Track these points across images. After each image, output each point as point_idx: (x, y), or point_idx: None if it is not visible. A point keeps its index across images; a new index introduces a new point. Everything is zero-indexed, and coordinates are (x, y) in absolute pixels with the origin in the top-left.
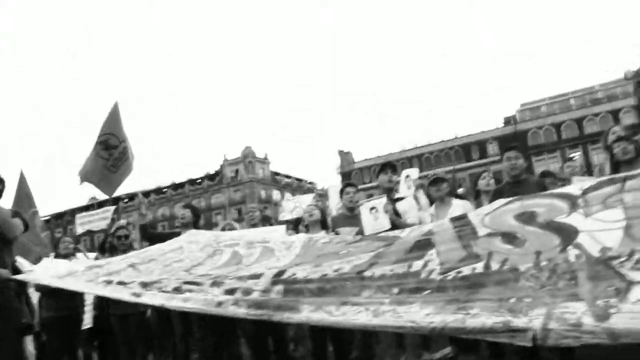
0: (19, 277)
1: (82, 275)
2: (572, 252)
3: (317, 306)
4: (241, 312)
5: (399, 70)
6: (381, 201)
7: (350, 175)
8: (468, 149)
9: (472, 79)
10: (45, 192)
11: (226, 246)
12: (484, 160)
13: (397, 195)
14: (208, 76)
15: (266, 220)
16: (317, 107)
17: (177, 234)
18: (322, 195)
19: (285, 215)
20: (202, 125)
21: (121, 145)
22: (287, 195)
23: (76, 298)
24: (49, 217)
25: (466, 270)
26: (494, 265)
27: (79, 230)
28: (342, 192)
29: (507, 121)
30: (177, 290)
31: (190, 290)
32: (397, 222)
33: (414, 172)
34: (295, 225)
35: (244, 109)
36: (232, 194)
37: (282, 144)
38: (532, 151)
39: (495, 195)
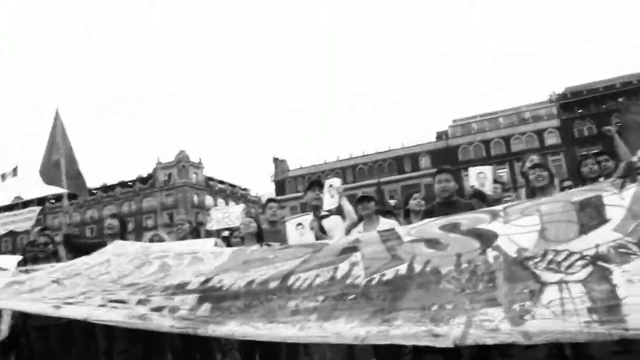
0: None
1: (1, 294)
2: (491, 254)
3: (244, 321)
4: (166, 324)
5: (336, 82)
6: (307, 218)
7: (284, 184)
8: (401, 162)
9: (407, 92)
10: None
11: (155, 258)
12: (417, 173)
13: (323, 212)
14: (143, 77)
15: (196, 232)
16: (253, 114)
17: (104, 244)
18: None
19: (213, 225)
20: (136, 127)
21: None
22: (220, 202)
23: None
24: None
25: (389, 274)
26: (417, 267)
27: (0, 231)
28: (264, 207)
29: (439, 136)
30: (102, 307)
31: (115, 308)
32: (322, 239)
33: (336, 181)
34: (227, 240)
35: (180, 112)
36: (165, 198)
37: (216, 149)
38: (462, 166)
39: (425, 215)
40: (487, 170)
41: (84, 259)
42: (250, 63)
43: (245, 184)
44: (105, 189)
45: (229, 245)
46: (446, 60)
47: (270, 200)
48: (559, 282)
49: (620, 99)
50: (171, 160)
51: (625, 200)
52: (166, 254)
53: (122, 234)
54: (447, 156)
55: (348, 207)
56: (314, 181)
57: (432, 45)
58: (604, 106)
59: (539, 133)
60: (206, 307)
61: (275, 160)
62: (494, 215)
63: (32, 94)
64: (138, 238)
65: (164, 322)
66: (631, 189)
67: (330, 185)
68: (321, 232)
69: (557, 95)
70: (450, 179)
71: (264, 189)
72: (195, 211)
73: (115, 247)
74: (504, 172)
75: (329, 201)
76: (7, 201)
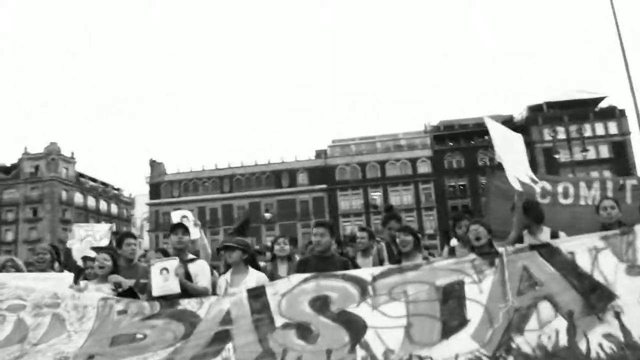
0: None
1: None
2: (359, 354)
3: None
4: None
5: (220, 89)
6: (173, 263)
7: (160, 187)
8: (279, 176)
9: (288, 108)
10: None
11: (9, 310)
12: (293, 189)
13: (189, 256)
14: (18, 59)
15: (56, 255)
16: (131, 113)
17: None
18: (128, 203)
19: (74, 243)
20: (2, 111)
21: None
22: (90, 200)
23: None
24: None
25: None
26: None
27: None
28: (120, 241)
29: (318, 154)
30: None
31: None
32: (187, 286)
33: (189, 214)
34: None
35: (52, 101)
36: (29, 191)
37: (90, 145)
38: (338, 186)
39: (300, 265)
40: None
41: None
42: (132, 57)
43: (118, 183)
44: None
45: (84, 277)
46: (330, 81)
47: (126, 234)
48: None
49: (486, 137)
50: (40, 151)
51: (484, 294)
52: (23, 303)
53: None
54: (324, 175)
55: (203, 241)
56: (177, 224)
57: (316, 62)
58: (472, 142)
59: (413, 161)
60: None
61: (152, 162)
62: (363, 292)
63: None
64: None
65: None
66: (488, 278)
67: (184, 216)
68: (186, 279)
69: (431, 127)
70: (326, 234)
71: (138, 190)
72: (62, 208)
73: None
74: (377, 196)
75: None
76: None
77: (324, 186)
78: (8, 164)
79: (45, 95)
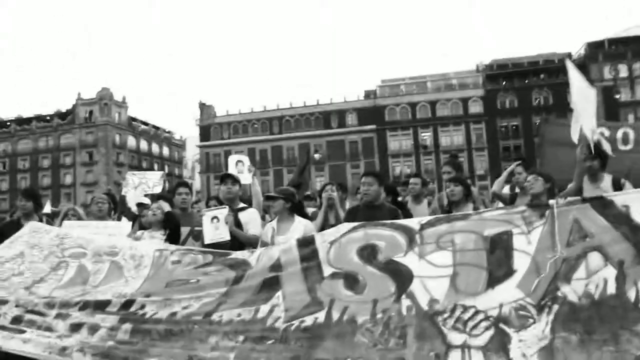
0: None
1: None
2: (404, 303)
3: (164, 351)
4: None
5: (269, 31)
6: (223, 212)
7: (210, 129)
8: (328, 117)
9: (339, 49)
10: None
11: (72, 257)
12: (343, 130)
13: (239, 205)
14: (71, 6)
15: (113, 205)
16: (182, 55)
17: (16, 223)
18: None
19: (128, 191)
20: (57, 57)
21: None
22: (143, 143)
23: None
24: None
25: (309, 320)
26: (335, 315)
27: None
28: (174, 191)
29: (368, 95)
30: (17, 320)
31: (31, 322)
32: (237, 234)
33: (245, 158)
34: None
35: (105, 46)
36: (84, 136)
37: (142, 89)
38: (388, 126)
39: (349, 215)
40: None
41: None
42: (182, 2)
43: (169, 126)
44: (20, 121)
45: (140, 226)
46: (378, 20)
47: (179, 184)
48: (462, 347)
49: (542, 76)
50: (93, 97)
51: (532, 245)
52: (83, 252)
53: (36, 210)
54: (373, 115)
55: (256, 187)
56: (226, 174)
57: (366, 5)
58: (526, 81)
59: (464, 101)
60: (127, 327)
61: (202, 105)
62: (411, 240)
63: None
64: (54, 176)
65: (83, 359)
66: (537, 229)
67: (240, 161)
68: (236, 227)
69: (484, 66)
70: (374, 183)
71: (189, 132)
72: (116, 151)
73: (30, 232)
74: (427, 136)
75: (238, 177)
76: None
77: (373, 127)
78: (64, 110)
79: (98, 41)
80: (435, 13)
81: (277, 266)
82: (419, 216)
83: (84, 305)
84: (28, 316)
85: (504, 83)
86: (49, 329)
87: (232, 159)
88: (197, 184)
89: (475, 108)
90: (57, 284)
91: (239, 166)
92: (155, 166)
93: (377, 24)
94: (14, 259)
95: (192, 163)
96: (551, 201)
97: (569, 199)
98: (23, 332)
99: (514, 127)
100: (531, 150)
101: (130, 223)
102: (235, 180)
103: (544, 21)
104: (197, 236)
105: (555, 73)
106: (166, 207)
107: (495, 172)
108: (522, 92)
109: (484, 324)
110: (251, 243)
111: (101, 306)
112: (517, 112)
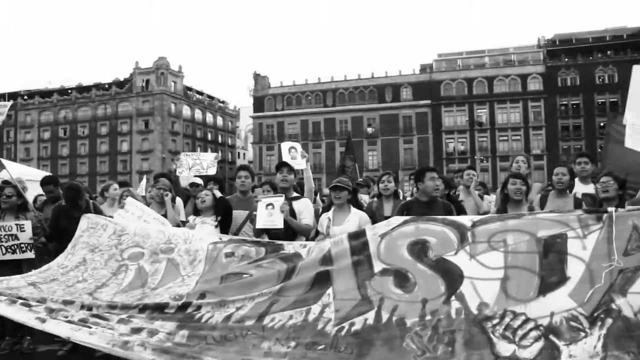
0: None
1: None
2: (454, 305)
3: (220, 355)
4: (147, 355)
5: (325, 3)
6: (279, 200)
7: (264, 100)
8: (382, 91)
9: (395, 21)
10: None
11: (130, 259)
12: (397, 104)
13: (293, 194)
14: None
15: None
16: (237, 26)
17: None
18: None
19: (182, 172)
20: (116, 27)
21: None
22: (197, 112)
23: None
24: None
25: (358, 323)
26: (384, 315)
27: None
28: (236, 175)
29: (423, 69)
30: (83, 321)
31: (96, 324)
32: (291, 223)
33: (298, 145)
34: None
35: (161, 16)
36: (141, 104)
37: (197, 59)
38: (443, 102)
39: (402, 210)
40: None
41: (59, 260)
42: None
43: (223, 96)
44: (81, 89)
45: (194, 206)
46: None
47: (241, 167)
48: (511, 359)
49: (608, 52)
50: (150, 66)
51: (587, 251)
52: (141, 251)
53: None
54: (429, 90)
55: (308, 173)
56: (282, 163)
57: None
58: (590, 58)
59: (523, 77)
60: (184, 333)
61: (256, 75)
62: (462, 238)
63: None
64: (112, 143)
65: (144, 353)
66: (594, 234)
67: (292, 148)
68: (290, 216)
69: (545, 41)
70: (439, 179)
71: (243, 103)
72: (171, 120)
73: (88, 229)
74: (483, 113)
75: (291, 163)
76: None
77: (428, 101)
78: (122, 79)
79: (156, 11)
80: None
81: (328, 259)
82: (469, 209)
83: (143, 308)
84: (93, 319)
85: (566, 59)
86: (112, 329)
87: (285, 146)
88: (249, 154)
89: (535, 85)
90: (117, 289)
91: (292, 152)
92: (209, 135)
93: None
94: (77, 267)
95: (245, 133)
96: (610, 208)
97: (629, 207)
98: (89, 327)
99: (574, 106)
100: (592, 130)
101: (182, 201)
102: (290, 169)
103: None
104: (254, 220)
105: (623, 49)
106: (216, 189)
107: (552, 152)
108: (585, 69)
109: (533, 333)
110: (304, 232)
111: (159, 308)
112: (579, 90)
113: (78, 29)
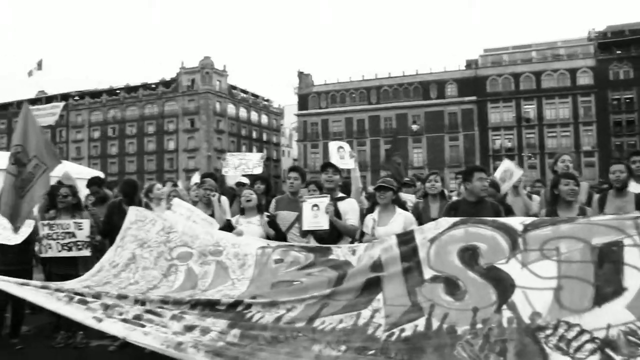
0: None
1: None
2: (505, 314)
3: (271, 356)
4: (200, 357)
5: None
6: (324, 201)
7: (308, 98)
8: (427, 88)
9: (440, 17)
10: None
11: (179, 259)
12: (442, 101)
13: (339, 195)
14: None
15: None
16: (281, 25)
17: (118, 205)
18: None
19: (228, 171)
20: (162, 29)
21: (31, 163)
22: (242, 111)
23: (27, 251)
24: None
25: (408, 329)
26: (435, 323)
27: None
28: (288, 176)
29: (469, 65)
30: (137, 317)
31: (150, 320)
32: (336, 224)
33: (346, 145)
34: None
35: (206, 16)
36: (187, 103)
37: (241, 58)
38: (489, 98)
39: (450, 210)
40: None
41: (109, 256)
42: None
43: (268, 95)
44: (129, 89)
45: (240, 206)
46: None
47: (292, 169)
48: None
49: None
50: (195, 65)
51: None
52: (190, 251)
53: (131, 196)
54: (474, 86)
55: (356, 173)
56: (327, 163)
57: None
58: None
59: (572, 71)
60: (235, 332)
61: (300, 74)
62: (513, 245)
63: None
64: (159, 142)
65: (197, 355)
66: None
67: (341, 147)
68: (336, 217)
69: (596, 33)
70: (488, 179)
71: (287, 101)
72: (217, 119)
73: (136, 221)
74: (530, 108)
75: (339, 162)
76: (31, 94)
77: (473, 98)
78: (168, 78)
79: (200, 12)
80: None
81: (378, 266)
82: (518, 210)
83: (195, 304)
84: (147, 315)
85: (618, 52)
86: (165, 327)
87: (334, 145)
88: (294, 152)
89: (584, 79)
90: (169, 290)
91: (341, 152)
92: (254, 133)
93: None
94: (128, 266)
95: (290, 131)
96: None
97: None
98: (143, 326)
99: (627, 100)
100: None
101: (227, 201)
102: (336, 169)
103: None
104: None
105: None
106: (261, 189)
107: (604, 148)
108: (639, 62)
109: (589, 346)
110: (350, 233)
111: (210, 305)
112: (632, 84)
113: (126, 30)
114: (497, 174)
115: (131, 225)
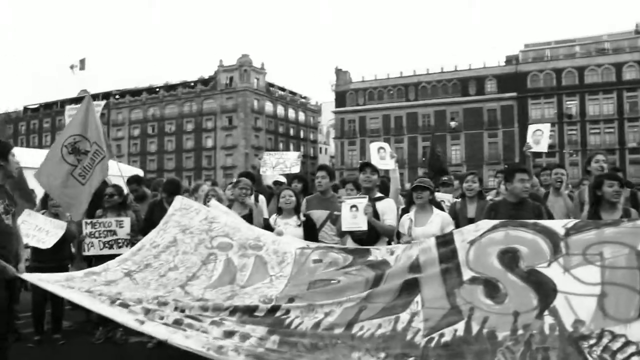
0: (25, 277)
1: (82, 283)
2: (547, 321)
3: None
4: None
5: None
6: (362, 201)
7: (345, 95)
8: (466, 84)
9: (479, 11)
10: (35, 81)
11: (219, 248)
12: (481, 97)
13: (377, 194)
14: None
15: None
16: (319, 22)
17: (160, 204)
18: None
19: (266, 170)
20: (200, 27)
21: (92, 150)
22: (280, 108)
23: (63, 249)
24: (37, 105)
25: (448, 334)
26: (474, 327)
27: (68, 121)
28: (316, 176)
29: (509, 60)
30: (177, 323)
31: (190, 326)
32: (375, 224)
33: (387, 146)
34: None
35: (245, 14)
36: (225, 101)
37: (279, 55)
38: (530, 94)
39: (490, 211)
40: (545, 128)
41: (151, 236)
42: None
43: (305, 92)
44: (168, 88)
45: (277, 207)
46: None
47: (320, 167)
48: None
49: None
50: (233, 63)
51: None
52: (230, 242)
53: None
54: (514, 82)
55: (395, 174)
56: (365, 163)
57: None
58: None
59: (618, 66)
60: (275, 338)
61: (338, 70)
62: (555, 249)
63: None
64: (197, 139)
65: (237, 358)
66: None
67: (381, 148)
68: (374, 217)
69: None
70: (529, 180)
71: (324, 98)
72: (254, 116)
73: (180, 209)
74: (573, 104)
75: (380, 163)
76: (73, 93)
77: (513, 94)
78: (206, 76)
79: (239, 10)
80: None
81: (415, 267)
82: (559, 211)
83: (234, 310)
84: (187, 320)
85: None
86: (205, 332)
87: (374, 146)
88: (331, 149)
89: (631, 74)
90: (208, 282)
91: (381, 153)
92: (291, 131)
93: None
94: (169, 248)
95: (327, 128)
96: None
97: None
98: (185, 330)
99: None
100: None
101: (265, 199)
102: (374, 169)
103: None
104: (335, 220)
105: None
106: (299, 186)
107: None
108: None
109: (635, 359)
110: (388, 233)
111: (249, 311)
112: None
113: (165, 29)
114: (529, 139)
115: (175, 212)
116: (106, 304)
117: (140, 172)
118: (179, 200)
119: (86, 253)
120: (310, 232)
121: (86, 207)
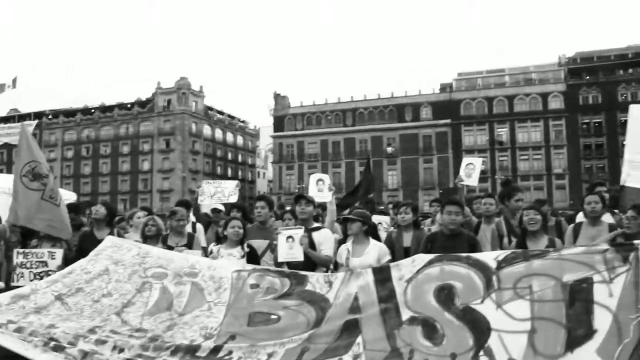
0: None
1: (9, 313)
2: None
3: None
4: None
5: (343, 23)
6: (299, 232)
7: (284, 119)
8: (402, 110)
9: (414, 42)
10: None
11: (154, 277)
12: (417, 123)
13: (313, 225)
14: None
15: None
16: (258, 47)
17: (90, 234)
18: (253, 135)
19: (204, 200)
20: (138, 49)
21: (51, 175)
22: (218, 132)
23: None
24: None
25: None
26: None
27: None
28: (255, 206)
29: (443, 88)
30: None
31: None
32: (311, 255)
33: (326, 177)
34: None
35: (183, 37)
36: (162, 123)
37: (218, 79)
38: (463, 121)
39: (427, 243)
40: (477, 162)
41: (81, 263)
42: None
43: (244, 116)
44: (104, 109)
45: (216, 235)
46: (458, 12)
47: (259, 197)
48: None
49: (630, 70)
50: (171, 86)
51: (614, 298)
52: (164, 272)
53: (109, 222)
54: (448, 109)
55: (332, 206)
56: (300, 195)
57: None
58: (613, 75)
59: (544, 96)
60: None
61: (277, 95)
62: (488, 283)
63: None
64: (133, 162)
65: None
66: (620, 277)
67: (320, 180)
68: (310, 248)
69: (566, 59)
70: (460, 213)
71: (263, 122)
72: (192, 140)
73: (112, 247)
74: (503, 132)
75: (317, 195)
76: (2, 112)
77: (448, 121)
78: (144, 98)
79: (177, 33)
80: (517, 2)
81: (356, 308)
82: (490, 238)
83: (176, 350)
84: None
85: (587, 77)
86: None
87: (313, 178)
88: (269, 173)
89: (556, 104)
90: (144, 309)
91: (320, 184)
92: (229, 155)
93: (454, 16)
94: (101, 275)
95: (265, 153)
96: (636, 241)
97: None
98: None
99: (596, 125)
100: (614, 149)
101: (202, 228)
102: (309, 200)
103: (636, 9)
104: (275, 249)
105: None
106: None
107: (574, 171)
108: (608, 87)
109: None
110: (324, 264)
111: (191, 351)
112: (601, 109)
113: (101, 49)
114: (461, 172)
115: (106, 248)
116: (39, 349)
117: (73, 196)
118: (110, 240)
119: (15, 284)
120: (253, 262)
121: (69, 224)
